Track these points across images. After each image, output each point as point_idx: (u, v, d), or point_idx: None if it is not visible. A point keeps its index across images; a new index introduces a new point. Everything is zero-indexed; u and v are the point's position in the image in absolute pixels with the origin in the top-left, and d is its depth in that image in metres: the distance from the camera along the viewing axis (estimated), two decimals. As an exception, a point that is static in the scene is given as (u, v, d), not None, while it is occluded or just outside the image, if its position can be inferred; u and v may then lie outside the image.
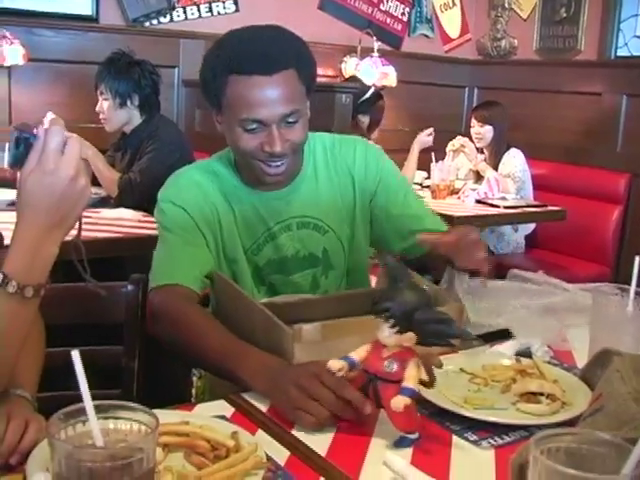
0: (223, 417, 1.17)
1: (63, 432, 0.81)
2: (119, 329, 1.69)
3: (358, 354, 1.13)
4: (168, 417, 1.05)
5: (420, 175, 4.35)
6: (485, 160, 4.33)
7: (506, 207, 3.83)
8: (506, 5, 5.22)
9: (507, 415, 1.20)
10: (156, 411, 0.84)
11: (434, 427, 1.16)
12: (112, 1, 4.07)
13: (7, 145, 3.03)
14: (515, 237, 4.33)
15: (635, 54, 4.50)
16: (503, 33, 5.27)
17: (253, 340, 1.34)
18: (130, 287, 1.68)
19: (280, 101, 1.52)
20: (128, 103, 3.21)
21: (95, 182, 3.11)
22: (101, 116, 3.28)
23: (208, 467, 0.99)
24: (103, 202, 3.13)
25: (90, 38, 3.98)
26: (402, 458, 1.04)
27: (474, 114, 4.39)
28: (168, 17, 4.25)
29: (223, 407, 1.23)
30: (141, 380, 1.69)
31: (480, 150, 4.37)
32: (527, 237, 4.41)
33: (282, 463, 1.04)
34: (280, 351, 1.29)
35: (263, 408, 1.22)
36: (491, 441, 1.13)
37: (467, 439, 1.14)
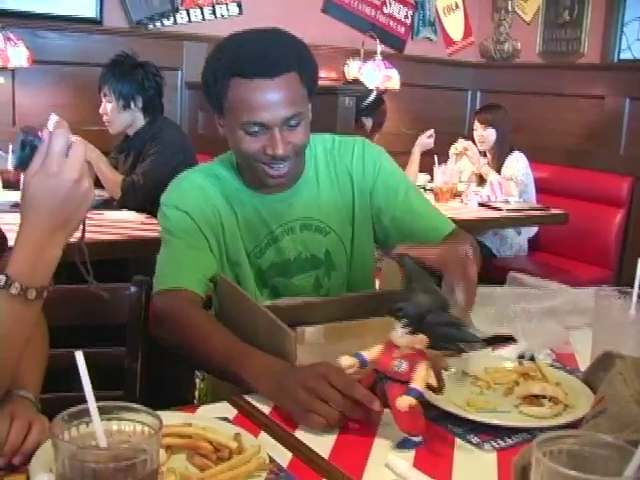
0: (226, 419, 1.17)
1: (67, 433, 0.81)
2: (122, 330, 1.69)
3: (370, 353, 1.14)
4: (171, 419, 1.05)
5: (423, 178, 4.35)
6: (488, 163, 4.33)
7: (509, 210, 3.84)
8: (509, 8, 5.22)
9: (510, 418, 1.20)
10: (159, 413, 0.84)
11: (436, 430, 1.16)
12: (116, 3, 4.08)
13: (11, 147, 3.04)
14: (518, 240, 4.33)
15: (638, 57, 4.50)
16: (506, 36, 5.27)
17: (256, 342, 1.34)
18: (133, 289, 1.69)
19: (282, 104, 1.52)
20: (132, 105, 3.22)
21: (98, 184, 3.12)
22: (104, 118, 3.29)
23: (211, 469, 0.99)
24: (106, 204, 3.14)
25: (94, 40, 3.99)
26: (404, 460, 1.05)
27: (477, 117, 4.39)
28: (171, 19, 4.26)
29: (226, 409, 1.23)
30: (144, 381, 1.69)
31: (483, 153, 4.37)
32: (530, 240, 4.41)
33: (285, 465, 1.04)
34: (283, 353, 1.29)
35: (266, 410, 1.22)
36: (493, 444, 1.13)
37: (470, 442, 1.14)
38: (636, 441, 0.73)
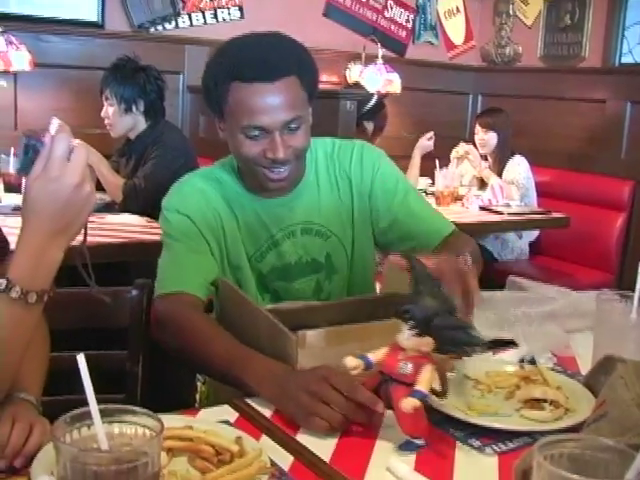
0: (227, 422, 1.17)
1: (68, 435, 0.81)
2: (123, 334, 1.69)
3: (375, 355, 1.14)
4: (172, 422, 1.05)
5: (424, 182, 4.35)
6: (489, 167, 4.33)
7: (510, 214, 3.83)
8: (510, 12, 5.23)
9: (511, 421, 1.20)
10: (160, 416, 0.84)
11: (438, 433, 1.16)
12: (118, 7, 4.09)
13: (13, 150, 3.04)
14: (519, 244, 4.33)
15: (639, 61, 4.51)
16: (507, 40, 5.28)
17: (258, 346, 1.35)
18: (134, 292, 1.69)
19: (282, 108, 1.52)
20: (133, 109, 3.22)
21: (100, 187, 3.13)
22: (106, 121, 3.29)
23: (212, 472, 0.99)
24: (108, 207, 3.14)
25: (96, 44, 4.00)
26: (406, 464, 1.05)
27: (478, 121, 4.39)
28: (173, 23, 4.27)
29: (227, 412, 1.23)
30: (145, 385, 1.69)
31: (484, 157, 4.37)
32: (531, 244, 4.41)
33: (286, 468, 1.04)
34: (284, 357, 1.29)
35: (267, 413, 1.22)
36: (495, 447, 1.13)
37: (471, 445, 1.14)
38: (637, 445, 0.74)
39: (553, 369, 1.42)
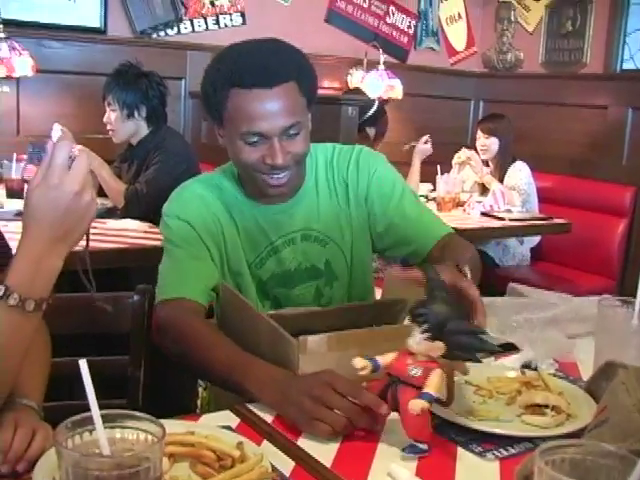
0: (229, 427, 1.17)
1: (70, 440, 0.81)
2: (125, 339, 1.69)
3: (384, 358, 1.14)
4: (174, 427, 1.05)
5: (426, 187, 4.35)
6: (490, 172, 4.33)
7: (511, 220, 3.84)
8: (512, 18, 5.24)
9: (512, 427, 1.20)
10: (162, 421, 0.84)
11: (439, 439, 1.16)
12: (120, 13, 4.10)
13: (15, 155, 3.04)
14: (520, 250, 4.33)
15: (641, 67, 4.52)
16: (509, 46, 5.28)
17: (259, 351, 1.35)
18: (136, 297, 1.69)
19: (281, 114, 1.52)
20: (135, 114, 3.23)
21: (101, 193, 3.13)
22: (108, 127, 3.30)
23: (213, 477, 0.99)
24: (109, 213, 3.14)
25: (98, 50, 4.01)
26: (407, 469, 1.05)
27: (480, 126, 4.40)
28: (175, 29, 4.28)
29: (228, 417, 1.23)
30: (146, 390, 1.69)
31: (485, 162, 4.37)
32: (532, 250, 4.41)
33: (287, 474, 1.04)
34: (285, 362, 1.29)
35: (268, 419, 1.22)
36: (496, 453, 1.13)
37: (472, 451, 1.14)
38: (639, 450, 0.74)
39: (555, 375, 1.42)
